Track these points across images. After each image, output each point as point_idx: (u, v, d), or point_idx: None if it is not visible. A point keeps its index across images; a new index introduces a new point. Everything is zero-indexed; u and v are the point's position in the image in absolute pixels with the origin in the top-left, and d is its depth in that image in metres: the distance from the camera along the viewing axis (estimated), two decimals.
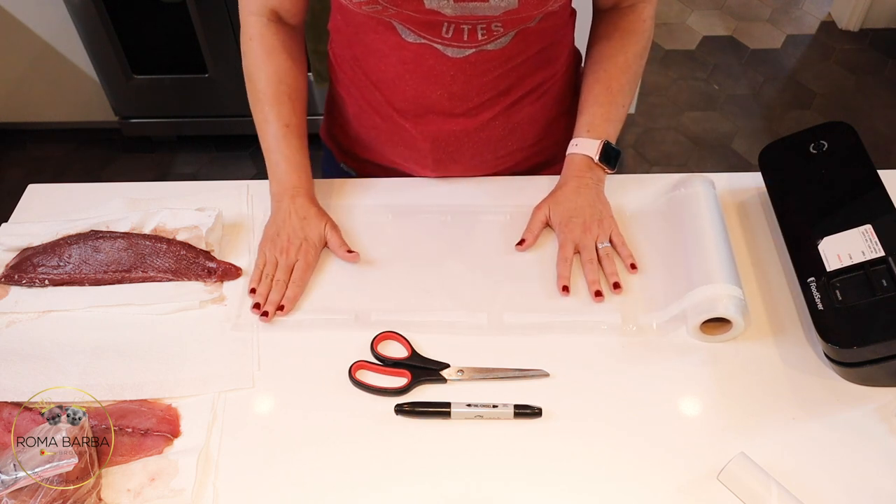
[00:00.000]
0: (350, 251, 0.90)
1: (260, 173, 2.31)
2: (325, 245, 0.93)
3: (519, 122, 0.96)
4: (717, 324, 0.81)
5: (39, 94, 2.33)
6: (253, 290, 0.88)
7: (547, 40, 0.90)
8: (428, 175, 1.02)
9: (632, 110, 2.36)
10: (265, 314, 0.85)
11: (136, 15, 2.05)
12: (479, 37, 0.84)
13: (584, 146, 0.94)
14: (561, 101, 1.01)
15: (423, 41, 0.85)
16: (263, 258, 0.90)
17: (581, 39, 1.01)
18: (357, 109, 0.99)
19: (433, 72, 0.87)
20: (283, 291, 0.87)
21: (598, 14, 0.98)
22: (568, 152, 0.96)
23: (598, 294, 0.85)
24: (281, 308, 0.86)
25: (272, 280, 0.88)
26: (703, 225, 0.88)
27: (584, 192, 0.92)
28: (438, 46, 0.85)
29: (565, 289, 0.86)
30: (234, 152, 2.44)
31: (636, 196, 0.97)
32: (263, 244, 0.91)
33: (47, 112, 2.40)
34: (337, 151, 1.10)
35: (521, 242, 0.92)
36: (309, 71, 1.79)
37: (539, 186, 1.01)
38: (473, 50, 0.85)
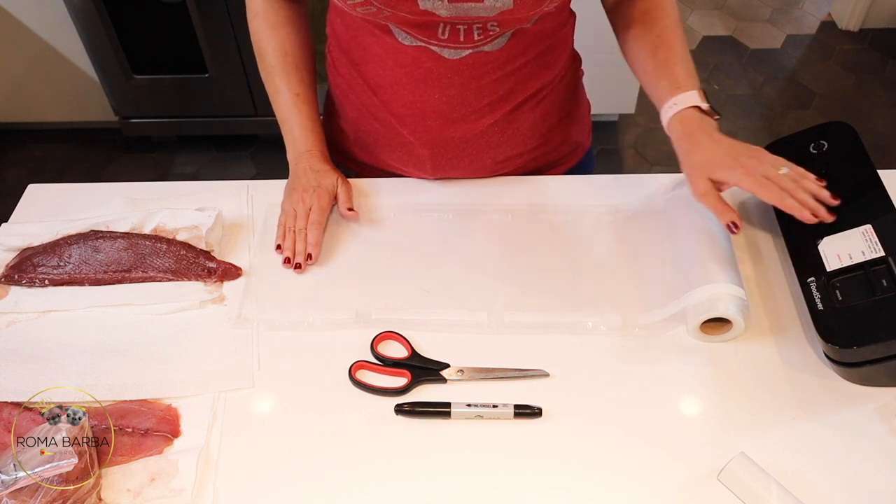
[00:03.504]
0: (351, 209, 0.94)
1: (260, 173, 2.30)
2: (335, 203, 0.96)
3: (518, 128, 0.96)
4: (717, 324, 0.81)
5: (39, 94, 2.33)
6: (279, 247, 0.91)
7: (545, 43, 0.90)
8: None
9: (632, 110, 2.36)
10: (297, 266, 0.89)
11: (136, 15, 2.05)
12: (476, 37, 0.84)
13: (685, 100, 0.86)
14: (561, 106, 1.00)
15: (419, 44, 0.85)
16: (284, 213, 0.94)
17: (582, 43, 1.01)
18: (355, 114, 0.99)
19: (431, 74, 0.87)
20: (305, 239, 0.90)
21: (613, 9, 0.95)
22: (670, 115, 0.86)
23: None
24: (309, 256, 0.89)
25: (295, 233, 0.91)
26: (703, 225, 0.88)
27: (717, 136, 0.84)
28: (435, 48, 0.85)
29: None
30: (234, 152, 2.44)
31: (636, 196, 0.97)
32: (283, 202, 0.95)
33: (47, 112, 2.40)
34: (336, 154, 1.10)
35: (736, 227, 0.81)
36: None
37: (541, 186, 1.01)
38: (470, 51, 0.85)
